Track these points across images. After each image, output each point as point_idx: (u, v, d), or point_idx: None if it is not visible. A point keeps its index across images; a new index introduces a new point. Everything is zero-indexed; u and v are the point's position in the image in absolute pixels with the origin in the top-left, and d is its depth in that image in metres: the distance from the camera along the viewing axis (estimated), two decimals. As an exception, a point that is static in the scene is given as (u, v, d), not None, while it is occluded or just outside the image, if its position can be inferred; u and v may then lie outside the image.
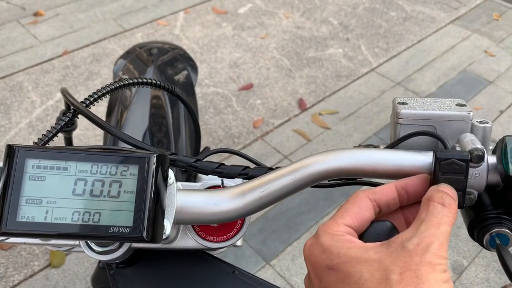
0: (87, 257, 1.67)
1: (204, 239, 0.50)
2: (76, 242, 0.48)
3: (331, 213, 1.88)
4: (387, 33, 2.85)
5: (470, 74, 2.57)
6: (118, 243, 0.46)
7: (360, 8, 3.06)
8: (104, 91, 0.51)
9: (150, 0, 2.99)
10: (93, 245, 0.47)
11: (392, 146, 0.44)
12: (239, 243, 0.73)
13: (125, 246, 0.47)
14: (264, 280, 0.53)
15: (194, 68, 1.12)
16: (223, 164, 0.47)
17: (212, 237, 0.50)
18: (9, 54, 2.51)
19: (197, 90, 2.40)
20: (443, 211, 0.36)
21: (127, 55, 1.10)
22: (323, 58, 2.62)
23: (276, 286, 0.53)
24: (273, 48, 2.67)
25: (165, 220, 0.40)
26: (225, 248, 0.52)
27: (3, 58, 2.48)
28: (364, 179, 0.48)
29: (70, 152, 0.38)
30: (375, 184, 0.51)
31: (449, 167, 0.39)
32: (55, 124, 0.49)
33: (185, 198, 0.43)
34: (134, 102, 0.86)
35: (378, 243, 0.35)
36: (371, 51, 2.70)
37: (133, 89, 0.90)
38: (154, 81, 0.55)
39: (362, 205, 0.39)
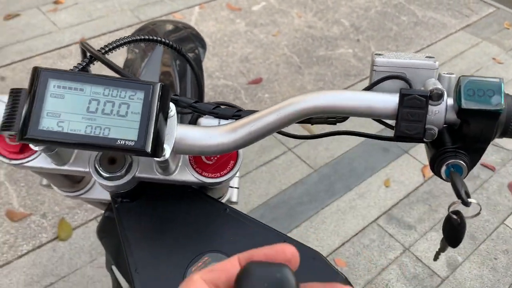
0: (93, 232, 1.74)
1: (201, 174, 0.56)
2: (87, 169, 0.54)
3: (331, 205, 1.92)
4: (397, 36, 2.89)
5: (477, 79, 2.60)
6: (124, 170, 0.52)
7: (372, 11, 3.12)
8: (118, 43, 0.57)
9: (167, -6, 3.08)
10: (101, 171, 0.53)
11: (367, 89, 0.50)
12: (234, 199, 0.79)
13: (131, 174, 0.53)
14: (254, 219, 0.58)
15: (204, 47, 1.18)
16: (219, 106, 0.53)
17: (208, 173, 0.56)
18: (28, 39, 2.60)
19: (208, 81, 2.46)
20: None
21: (139, 32, 1.16)
22: (333, 57, 2.67)
23: (264, 224, 0.58)
24: (284, 45, 2.73)
25: (165, 144, 0.46)
26: (220, 185, 0.57)
27: (22, 42, 2.57)
28: (340, 129, 0.55)
29: (87, 76, 0.44)
30: (349, 133, 0.57)
31: (411, 102, 0.45)
32: (73, 67, 0.55)
33: (183, 130, 0.49)
34: (146, 66, 0.93)
35: None
36: (380, 53, 2.74)
37: (146, 57, 0.96)
38: (163, 40, 0.61)
39: None
